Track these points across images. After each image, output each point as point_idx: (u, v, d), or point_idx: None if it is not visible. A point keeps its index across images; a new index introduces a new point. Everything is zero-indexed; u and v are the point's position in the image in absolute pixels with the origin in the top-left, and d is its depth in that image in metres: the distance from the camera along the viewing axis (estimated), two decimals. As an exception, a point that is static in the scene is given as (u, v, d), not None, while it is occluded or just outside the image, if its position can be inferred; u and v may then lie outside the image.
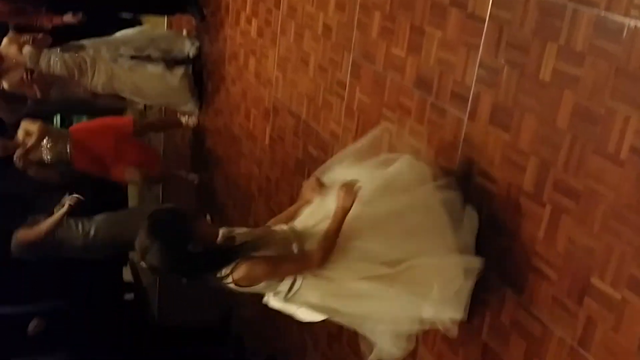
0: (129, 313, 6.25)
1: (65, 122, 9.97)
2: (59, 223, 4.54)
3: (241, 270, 2.16)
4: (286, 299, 2.32)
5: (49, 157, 4.83)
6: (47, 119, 5.71)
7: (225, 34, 4.98)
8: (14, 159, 4.73)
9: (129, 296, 6.80)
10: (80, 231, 4.69)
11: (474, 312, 2.49)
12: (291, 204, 3.95)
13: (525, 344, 2.28)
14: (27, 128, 4.79)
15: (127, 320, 5.61)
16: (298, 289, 2.28)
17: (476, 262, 2.37)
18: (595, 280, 2.01)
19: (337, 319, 2.49)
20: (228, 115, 5.01)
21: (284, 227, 2.38)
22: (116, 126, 5.12)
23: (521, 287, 2.29)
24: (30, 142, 4.73)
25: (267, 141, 4.33)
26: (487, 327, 2.44)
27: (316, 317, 2.46)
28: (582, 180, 2.04)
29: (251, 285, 2.22)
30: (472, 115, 2.47)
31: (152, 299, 7.09)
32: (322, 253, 2.24)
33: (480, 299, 2.46)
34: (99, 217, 4.77)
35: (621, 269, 1.93)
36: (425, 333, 2.71)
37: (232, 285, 2.19)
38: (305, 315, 2.45)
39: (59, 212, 4.53)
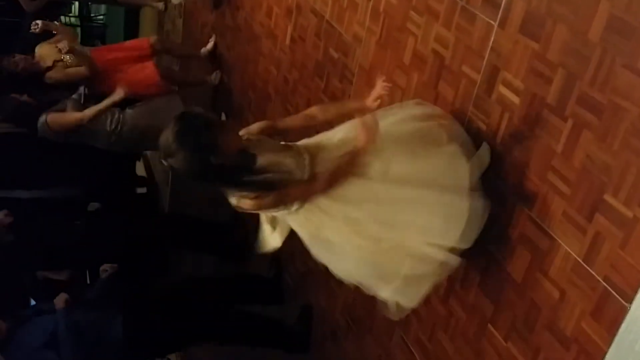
0: (140, 205, 6.34)
1: (84, 10, 9.82)
2: (104, 111, 4.55)
3: (248, 204, 2.17)
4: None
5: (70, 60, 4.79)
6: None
7: None
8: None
9: (141, 190, 6.90)
10: (110, 122, 4.70)
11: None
12: (307, 107, 3.94)
13: (530, 257, 2.30)
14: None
15: (136, 211, 5.69)
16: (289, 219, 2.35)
17: (455, 261, 2.34)
18: (608, 197, 2.00)
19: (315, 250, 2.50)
20: (249, 11, 4.89)
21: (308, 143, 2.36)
22: (135, 49, 5.04)
23: (532, 201, 2.29)
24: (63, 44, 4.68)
25: (287, 41, 4.24)
26: (494, 237, 2.45)
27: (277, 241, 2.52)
28: (608, 95, 1.99)
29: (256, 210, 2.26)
30: (503, 23, 2.39)
31: (163, 195, 7.19)
32: (327, 184, 2.25)
33: (490, 210, 2.46)
34: (128, 111, 4.77)
35: (636, 187, 1.92)
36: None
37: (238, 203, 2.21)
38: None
39: (108, 100, 4.53)
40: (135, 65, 4.95)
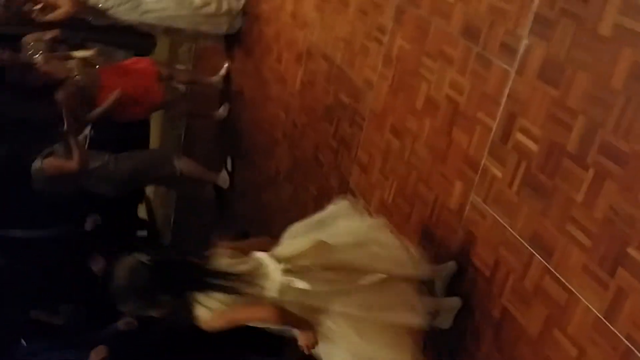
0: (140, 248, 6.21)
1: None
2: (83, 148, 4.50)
3: (201, 319, 2.21)
4: None
5: (79, 77, 4.73)
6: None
7: (264, -28, 4.84)
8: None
9: (142, 233, 6.80)
10: (106, 161, 4.67)
11: (497, 273, 2.40)
12: (315, 152, 3.88)
13: (547, 311, 2.19)
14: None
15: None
16: None
17: None
18: (632, 251, 1.90)
19: None
20: (259, 57, 4.89)
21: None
22: (142, 70, 5.01)
23: (550, 252, 2.19)
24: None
25: (297, 86, 4.21)
26: (508, 289, 2.35)
27: None
28: (632, 144, 1.92)
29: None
30: (521, 69, 2.34)
31: (165, 237, 7.10)
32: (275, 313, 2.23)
33: (506, 261, 2.37)
34: (122, 154, 4.75)
35: (663, 240, 1.82)
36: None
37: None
38: None
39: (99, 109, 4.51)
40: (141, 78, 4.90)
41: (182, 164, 4.89)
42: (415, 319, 2.31)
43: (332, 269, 2.27)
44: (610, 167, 1.98)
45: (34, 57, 4.61)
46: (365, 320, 2.27)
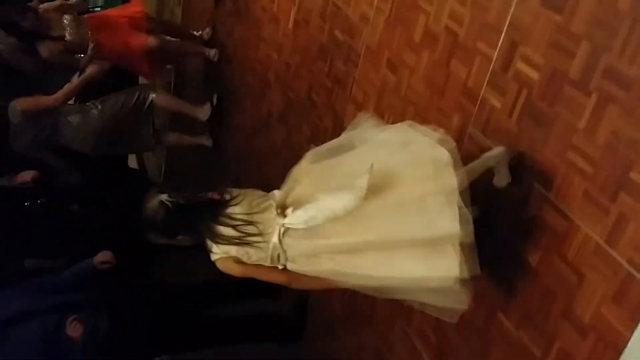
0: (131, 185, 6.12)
1: None
2: (76, 91, 4.43)
3: (219, 262, 2.29)
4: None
5: (69, 37, 4.63)
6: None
7: None
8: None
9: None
10: (88, 112, 4.62)
11: (495, 206, 2.39)
12: (309, 92, 3.81)
13: (546, 240, 2.19)
14: None
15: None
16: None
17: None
18: (634, 175, 1.89)
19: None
20: (251, -3, 4.78)
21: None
22: (130, 17, 4.88)
23: (550, 181, 2.17)
24: None
25: (290, 25, 4.12)
26: (508, 220, 2.34)
27: None
28: (638, 67, 1.88)
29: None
30: (523, -5, 2.28)
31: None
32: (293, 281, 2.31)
33: (504, 192, 2.35)
34: (103, 104, 4.71)
35: (667, 163, 1.81)
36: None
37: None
38: None
39: (79, 79, 4.41)
40: (128, 31, 4.78)
41: (159, 98, 4.83)
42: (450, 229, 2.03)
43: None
44: (613, 92, 1.95)
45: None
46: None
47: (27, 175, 4.25)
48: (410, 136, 2.20)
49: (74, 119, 4.66)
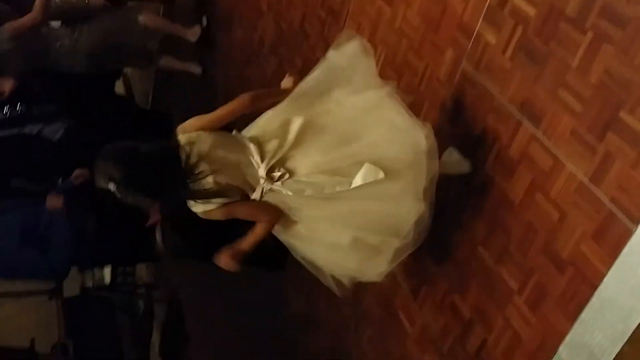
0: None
1: None
2: None
3: (199, 208, 2.14)
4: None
5: None
6: None
7: None
8: None
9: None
10: (75, 36, 4.54)
11: (483, 142, 2.40)
12: (302, 22, 3.75)
13: (530, 177, 2.21)
14: None
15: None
16: None
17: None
18: (624, 115, 1.89)
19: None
20: None
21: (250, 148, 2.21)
22: None
23: (539, 119, 2.18)
24: None
25: (285, -48, 4.03)
26: (493, 157, 2.35)
27: None
28: (634, 6, 1.86)
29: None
30: None
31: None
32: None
33: (492, 129, 2.36)
34: (90, 24, 4.61)
35: (656, 104, 1.81)
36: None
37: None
38: None
39: None
40: None
41: (147, 18, 4.76)
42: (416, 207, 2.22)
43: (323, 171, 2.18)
44: (609, 30, 1.94)
45: None
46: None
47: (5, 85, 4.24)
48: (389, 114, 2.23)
49: (65, 42, 4.59)
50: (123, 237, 3.65)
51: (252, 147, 2.19)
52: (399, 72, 2.93)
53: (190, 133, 2.15)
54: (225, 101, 2.24)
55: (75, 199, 3.69)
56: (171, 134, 2.16)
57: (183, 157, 2.06)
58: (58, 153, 4.26)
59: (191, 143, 2.11)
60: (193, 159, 2.06)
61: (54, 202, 3.65)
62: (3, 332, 5.72)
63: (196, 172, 2.06)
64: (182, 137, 2.13)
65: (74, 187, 3.82)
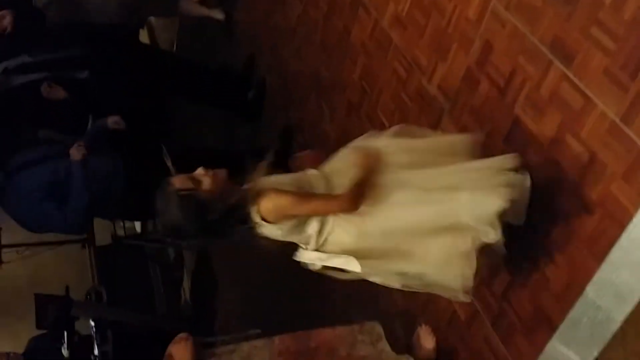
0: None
1: None
2: None
3: (267, 202, 2.03)
4: (318, 244, 2.13)
5: None
6: None
7: None
8: None
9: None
10: None
11: (512, 82, 2.37)
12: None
13: (560, 117, 2.18)
14: None
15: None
16: (331, 231, 2.11)
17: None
18: (658, 52, 1.85)
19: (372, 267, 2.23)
20: None
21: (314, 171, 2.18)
22: None
23: (571, 58, 2.13)
24: None
25: None
26: (523, 97, 2.32)
27: (356, 266, 2.17)
28: (674, -63, 1.80)
29: (278, 220, 2.05)
30: None
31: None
32: (351, 195, 2.07)
33: (523, 70, 2.32)
34: None
35: (693, 39, 1.76)
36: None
37: (260, 229, 2.07)
38: (343, 264, 2.18)
39: None
40: None
41: None
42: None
43: None
44: (646, -36, 1.88)
45: None
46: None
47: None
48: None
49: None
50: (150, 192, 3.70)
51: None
52: (426, 14, 2.87)
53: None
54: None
55: (103, 143, 3.74)
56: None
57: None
58: (85, 91, 4.32)
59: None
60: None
61: (76, 153, 3.69)
62: (39, 280, 5.91)
63: None
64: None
65: (107, 130, 3.87)
